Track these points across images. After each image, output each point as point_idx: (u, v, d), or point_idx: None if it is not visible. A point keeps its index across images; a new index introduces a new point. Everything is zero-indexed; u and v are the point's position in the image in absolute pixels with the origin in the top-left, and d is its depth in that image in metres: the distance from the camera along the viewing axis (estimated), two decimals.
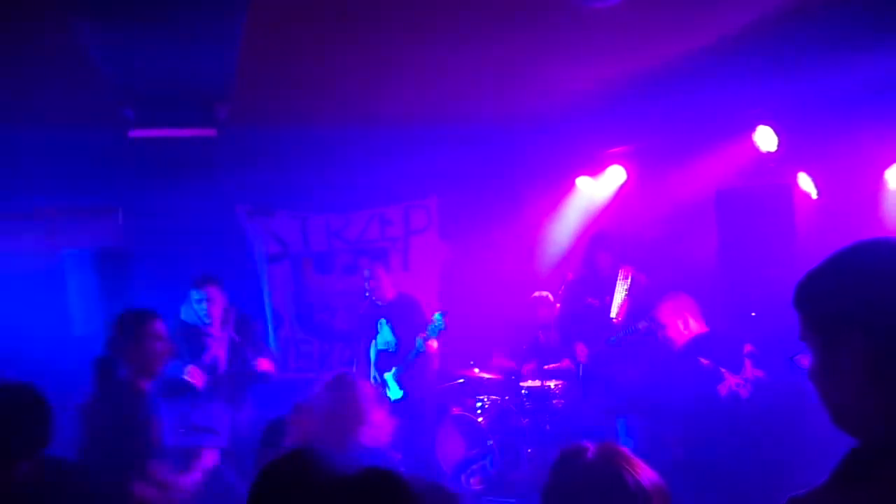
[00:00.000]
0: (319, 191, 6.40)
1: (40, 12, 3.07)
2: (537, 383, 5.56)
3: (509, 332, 6.26)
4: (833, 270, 1.17)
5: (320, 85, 4.69)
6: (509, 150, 6.43)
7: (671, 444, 4.53)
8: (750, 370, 4.36)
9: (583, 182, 6.45)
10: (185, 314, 4.93)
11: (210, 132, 3.97)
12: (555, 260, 6.50)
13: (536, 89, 5.01)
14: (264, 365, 4.88)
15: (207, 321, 4.85)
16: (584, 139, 6.07)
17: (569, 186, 6.54)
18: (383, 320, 5.70)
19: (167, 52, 3.05)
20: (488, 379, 5.88)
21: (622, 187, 6.25)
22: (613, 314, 5.09)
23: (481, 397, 5.79)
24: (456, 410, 5.87)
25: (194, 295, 4.91)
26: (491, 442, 5.56)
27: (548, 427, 5.45)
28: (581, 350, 5.33)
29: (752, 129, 5.00)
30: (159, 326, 3.21)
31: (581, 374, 5.35)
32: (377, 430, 2.64)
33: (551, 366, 5.64)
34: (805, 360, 1.18)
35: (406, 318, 5.64)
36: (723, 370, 4.33)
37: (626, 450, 1.48)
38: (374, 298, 5.68)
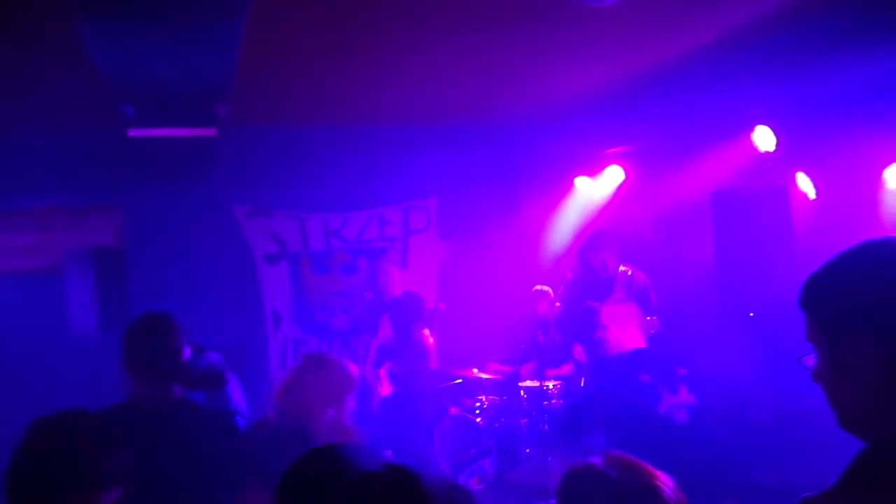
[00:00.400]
0: (318, 191, 6.40)
1: (41, 12, 3.06)
2: (536, 383, 5.56)
3: (508, 331, 6.26)
4: (839, 271, 1.16)
5: (320, 85, 4.69)
6: (508, 150, 6.44)
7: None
8: (684, 394, 4.28)
9: (581, 182, 6.46)
10: None
11: (210, 132, 3.96)
12: (554, 259, 6.50)
13: (535, 90, 5.01)
14: None
15: None
16: (583, 139, 6.08)
17: (567, 186, 6.55)
18: (386, 316, 5.71)
19: (167, 52, 3.04)
20: (486, 379, 5.89)
21: (620, 187, 6.26)
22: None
23: (480, 397, 5.79)
24: (454, 411, 5.87)
25: None
26: (489, 442, 5.57)
27: (546, 427, 5.45)
28: (579, 352, 5.32)
29: (751, 129, 5.00)
30: None
31: (583, 376, 5.32)
32: (345, 415, 2.59)
33: (553, 371, 5.62)
34: (811, 361, 1.17)
35: (407, 314, 5.65)
36: (661, 389, 4.21)
37: (637, 460, 1.45)
38: (380, 294, 5.68)
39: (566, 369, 5.63)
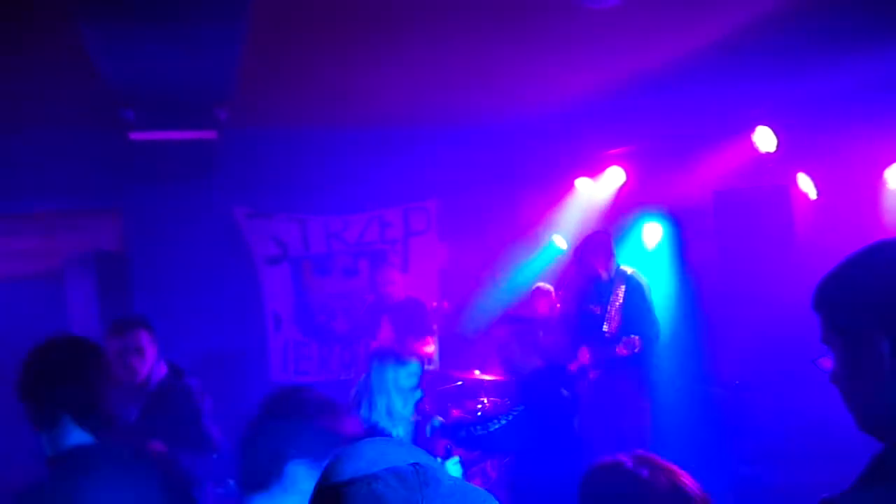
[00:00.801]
0: (319, 193, 6.40)
1: (41, 15, 3.07)
2: None
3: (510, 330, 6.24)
4: (851, 272, 1.16)
5: (320, 87, 4.69)
6: (508, 151, 6.44)
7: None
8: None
9: (582, 183, 6.47)
10: None
11: (210, 134, 3.96)
12: (555, 261, 6.51)
13: (536, 91, 5.01)
14: None
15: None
16: (583, 140, 6.08)
17: (568, 187, 6.55)
18: (386, 318, 5.71)
19: (167, 55, 3.04)
20: (488, 381, 5.88)
21: (621, 188, 6.26)
22: (605, 328, 4.97)
23: (481, 399, 5.79)
24: (455, 412, 5.86)
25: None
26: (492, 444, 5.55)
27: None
28: (584, 355, 5.28)
29: (751, 129, 5.00)
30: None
31: (590, 379, 5.28)
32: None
33: None
34: (826, 363, 1.17)
35: (408, 320, 5.64)
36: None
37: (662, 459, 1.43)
38: (380, 297, 5.69)
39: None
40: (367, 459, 0.89)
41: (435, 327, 5.69)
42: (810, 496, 1.19)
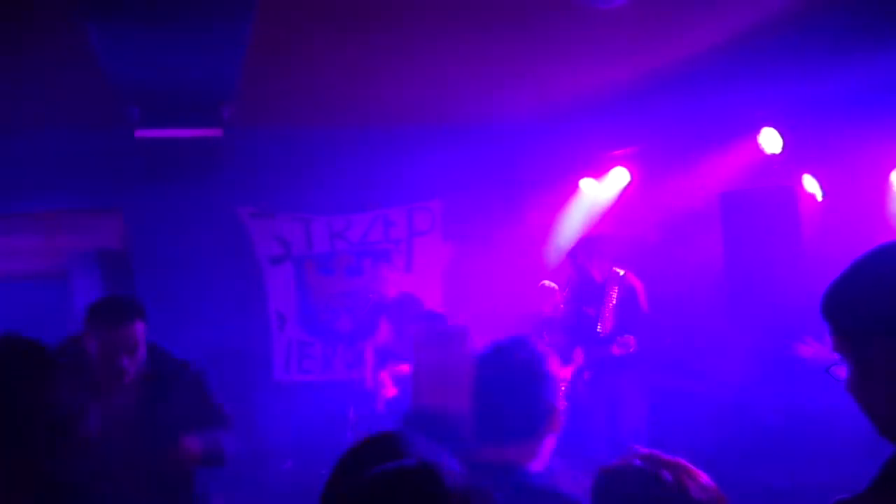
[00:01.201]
0: (322, 192, 6.40)
1: (47, 13, 3.07)
2: None
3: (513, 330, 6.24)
4: (855, 278, 1.15)
5: (324, 86, 4.69)
6: (513, 151, 6.43)
7: None
8: None
9: (586, 184, 6.45)
10: None
11: (215, 133, 3.96)
12: (558, 262, 6.49)
13: (540, 91, 5.00)
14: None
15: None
16: (588, 141, 6.07)
17: (572, 188, 6.53)
18: (384, 318, 5.71)
19: (173, 53, 3.05)
20: None
21: (626, 189, 6.24)
22: (599, 328, 4.99)
23: None
24: None
25: None
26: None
27: None
28: (579, 355, 5.30)
29: (757, 130, 4.98)
30: None
31: (584, 379, 5.30)
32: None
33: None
34: (841, 372, 1.16)
35: (407, 317, 5.64)
36: None
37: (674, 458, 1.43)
38: (379, 299, 5.70)
39: (567, 372, 5.61)
40: (377, 455, 0.94)
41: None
42: (815, 499, 1.18)
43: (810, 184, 4.94)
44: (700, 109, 5.12)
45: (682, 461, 1.42)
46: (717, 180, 5.33)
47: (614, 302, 4.97)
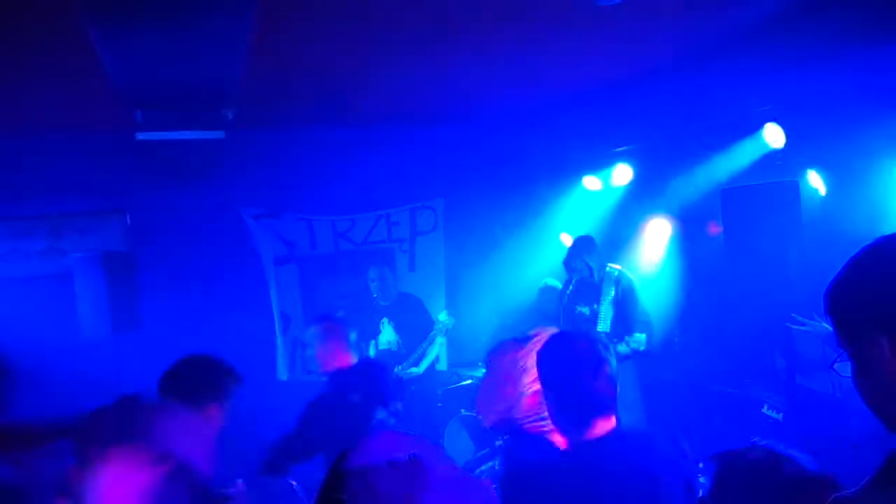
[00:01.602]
0: (325, 192, 6.41)
1: (49, 15, 3.08)
2: None
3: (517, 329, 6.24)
4: (851, 272, 1.16)
5: (326, 87, 4.69)
6: (516, 150, 6.43)
7: None
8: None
9: (589, 181, 6.45)
10: None
11: (217, 134, 3.98)
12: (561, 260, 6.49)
13: (542, 88, 5.00)
14: None
15: None
16: (590, 138, 6.07)
17: (575, 185, 6.53)
18: (385, 319, 5.72)
19: (174, 55, 3.06)
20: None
21: (628, 185, 6.24)
22: (601, 327, 4.98)
23: None
24: (464, 411, 5.86)
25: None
26: (499, 442, 5.55)
27: None
28: None
29: (760, 126, 4.98)
30: None
31: None
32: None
33: None
34: (844, 368, 1.17)
35: (409, 317, 5.66)
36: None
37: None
38: (378, 298, 5.72)
39: None
40: (371, 451, 1.00)
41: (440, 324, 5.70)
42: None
43: (814, 179, 4.93)
44: (703, 105, 5.12)
45: (793, 452, 1.49)
46: (720, 176, 5.33)
47: (611, 300, 4.98)
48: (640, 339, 4.74)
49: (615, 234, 6.12)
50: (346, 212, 6.57)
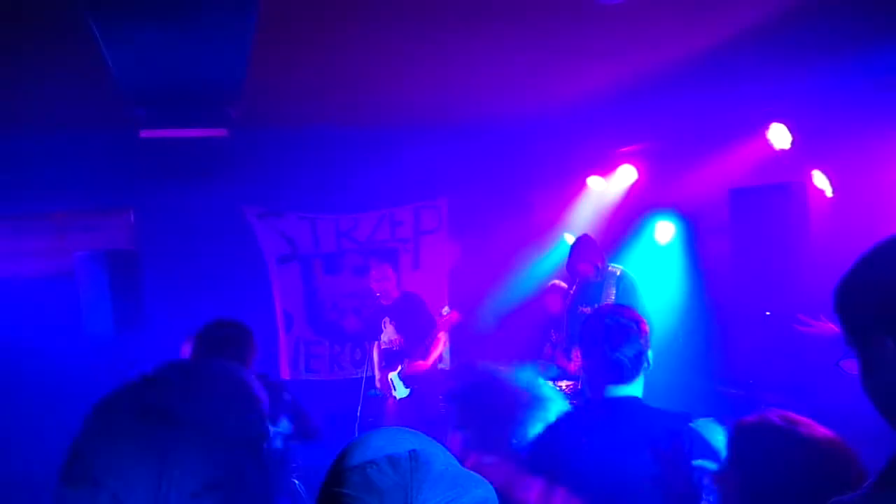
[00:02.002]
0: (329, 191, 6.41)
1: (53, 14, 3.08)
2: (549, 383, 5.50)
3: (521, 328, 6.24)
4: (857, 271, 1.17)
5: (330, 86, 4.68)
6: (519, 149, 6.42)
7: None
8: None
9: (594, 181, 6.43)
10: None
11: (221, 132, 3.97)
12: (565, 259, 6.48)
13: (546, 88, 4.98)
14: None
15: None
16: (595, 138, 6.05)
17: (580, 186, 6.51)
18: (387, 319, 5.72)
19: (178, 53, 3.05)
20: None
21: (633, 186, 6.22)
22: None
23: None
24: None
25: None
26: None
27: None
28: (577, 356, 5.29)
29: (766, 126, 4.95)
30: None
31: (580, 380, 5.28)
32: None
33: (566, 384, 5.55)
34: (850, 366, 1.17)
35: (411, 316, 5.65)
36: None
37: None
38: (380, 297, 5.71)
39: (573, 367, 5.60)
40: (372, 446, 0.99)
41: (443, 321, 5.69)
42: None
43: (820, 179, 4.90)
44: (709, 105, 5.10)
45: (809, 420, 1.53)
46: (727, 176, 5.31)
47: (612, 300, 4.97)
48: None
49: (619, 235, 6.09)
50: (349, 211, 6.57)
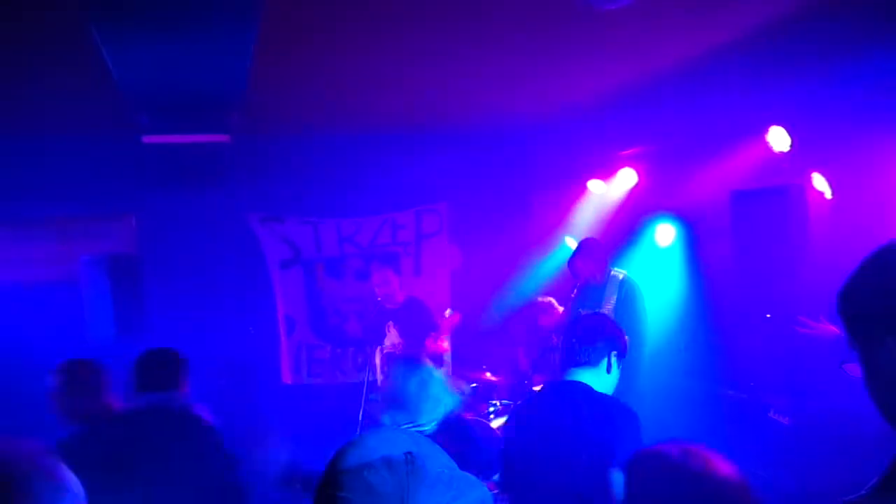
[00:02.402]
0: (331, 196, 6.42)
1: (56, 21, 3.10)
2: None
3: (522, 334, 6.24)
4: (860, 275, 1.17)
5: (331, 91, 4.70)
6: (520, 153, 6.43)
7: None
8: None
9: (594, 185, 6.44)
10: None
11: (223, 138, 3.99)
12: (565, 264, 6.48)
13: (547, 92, 5.00)
14: None
15: None
16: (596, 142, 6.06)
17: (580, 189, 6.52)
18: (391, 323, 5.72)
19: (181, 60, 3.07)
20: (499, 381, 5.87)
21: (633, 189, 6.23)
22: None
23: (493, 401, 5.77)
24: (468, 415, 5.84)
25: None
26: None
27: None
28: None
29: (765, 129, 4.96)
30: None
31: None
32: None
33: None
34: (853, 368, 1.17)
35: (414, 321, 5.66)
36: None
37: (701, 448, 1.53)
38: (383, 302, 5.71)
39: None
40: (368, 448, 1.00)
41: (444, 322, 5.70)
42: (825, 501, 1.18)
43: (819, 182, 4.91)
44: (708, 108, 5.11)
45: (707, 450, 1.50)
46: (727, 179, 5.32)
47: (612, 305, 4.94)
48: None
49: (620, 238, 6.10)
50: (351, 215, 6.58)
